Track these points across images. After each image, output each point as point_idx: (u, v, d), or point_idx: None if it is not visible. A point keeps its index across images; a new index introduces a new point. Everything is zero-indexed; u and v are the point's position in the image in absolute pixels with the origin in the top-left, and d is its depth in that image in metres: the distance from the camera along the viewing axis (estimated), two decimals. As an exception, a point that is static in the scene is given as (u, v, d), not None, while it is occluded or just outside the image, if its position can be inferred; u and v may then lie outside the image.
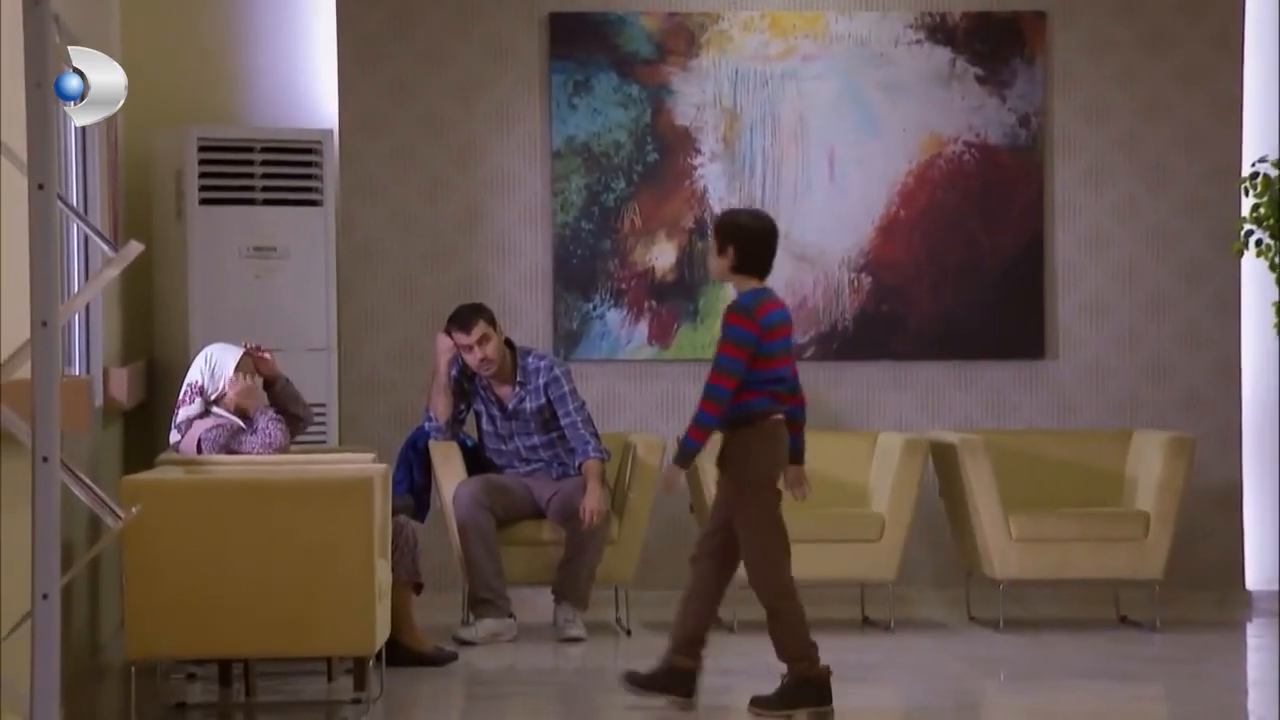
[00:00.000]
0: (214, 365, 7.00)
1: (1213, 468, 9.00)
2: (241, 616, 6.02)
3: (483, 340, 7.94)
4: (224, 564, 6.02)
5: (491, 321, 8.01)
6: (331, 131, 8.43)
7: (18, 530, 4.44)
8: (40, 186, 3.25)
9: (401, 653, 7.04)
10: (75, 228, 7.05)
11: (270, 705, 6.54)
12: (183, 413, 7.00)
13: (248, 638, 6.08)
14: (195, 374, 7.01)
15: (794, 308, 9.03)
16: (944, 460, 8.37)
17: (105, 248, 3.36)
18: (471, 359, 7.97)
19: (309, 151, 8.25)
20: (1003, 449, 8.37)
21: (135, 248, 3.26)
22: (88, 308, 7.19)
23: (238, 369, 7.00)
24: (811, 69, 8.99)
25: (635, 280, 8.95)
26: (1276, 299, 8.46)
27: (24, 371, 3.42)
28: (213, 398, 6.99)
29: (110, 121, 7.66)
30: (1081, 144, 9.11)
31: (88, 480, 3.44)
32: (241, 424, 6.97)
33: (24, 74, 3.36)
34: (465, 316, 7.99)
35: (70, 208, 3.39)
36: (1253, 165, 8.56)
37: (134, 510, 3.45)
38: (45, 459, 3.18)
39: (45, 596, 3.21)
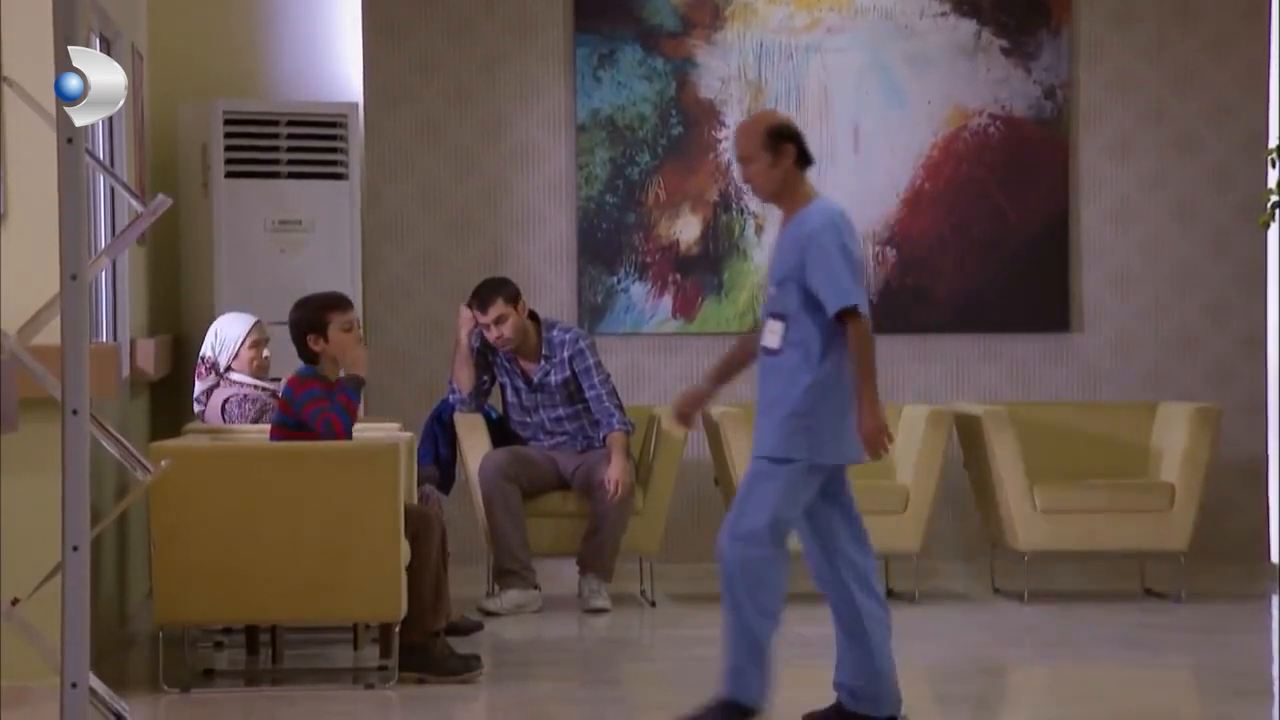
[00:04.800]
0: (222, 337, 7.07)
1: (1239, 440, 8.99)
2: (269, 583, 6.05)
3: (500, 320, 7.93)
4: (251, 530, 6.04)
5: (513, 299, 7.98)
6: (356, 105, 8.45)
7: (48, 494, 4.46)
8: (69, 141, 3.26)
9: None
10: (102, 191, 7.08)
11: (297, 672, 6.57)
12: (199, 386, 7.07)
13: (275, 604, 6.11)
14: (205, 348, 7.09)
15: (819, 281, 9.03)
16: (969, 432, 8.37)
17: (134, 202, 3.37)
18: (490, 335, 7.99)
19: (334, 125, 8.26)
20: (1028, 421, 8.36)
21: (163, 201, 3.28)
22: (115, 278, 7.22)
23: (254, 344, 7.04)
24: (836, 41, 8.98)
25: (659, 254, 8.96)
26: (1303, 271, 8.44)
27: (51, 333, 3.43)
28: (225, 366, 7.05)
29: (136, 94, 7.68)
30: (1107, 116, 9.09)
31: (116, 434, 3.45)
32: (269, 397, 7.01)
33: (52, 32, 3.38)
34: (484, 295, 7.97)
35: (97, 160, 3.40)
36: (1280, 137, 8.54)
37: (163, 464, 3.47)
38: (75, 412, 3.20)
39: (75, 549, 3.23)
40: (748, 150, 5.27)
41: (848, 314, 5.16)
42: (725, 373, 5.53)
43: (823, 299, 5.17)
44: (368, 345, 8.60)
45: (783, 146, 5.27)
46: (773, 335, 5.27)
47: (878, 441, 5.23)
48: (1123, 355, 9.10)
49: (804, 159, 5.32)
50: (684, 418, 5.48)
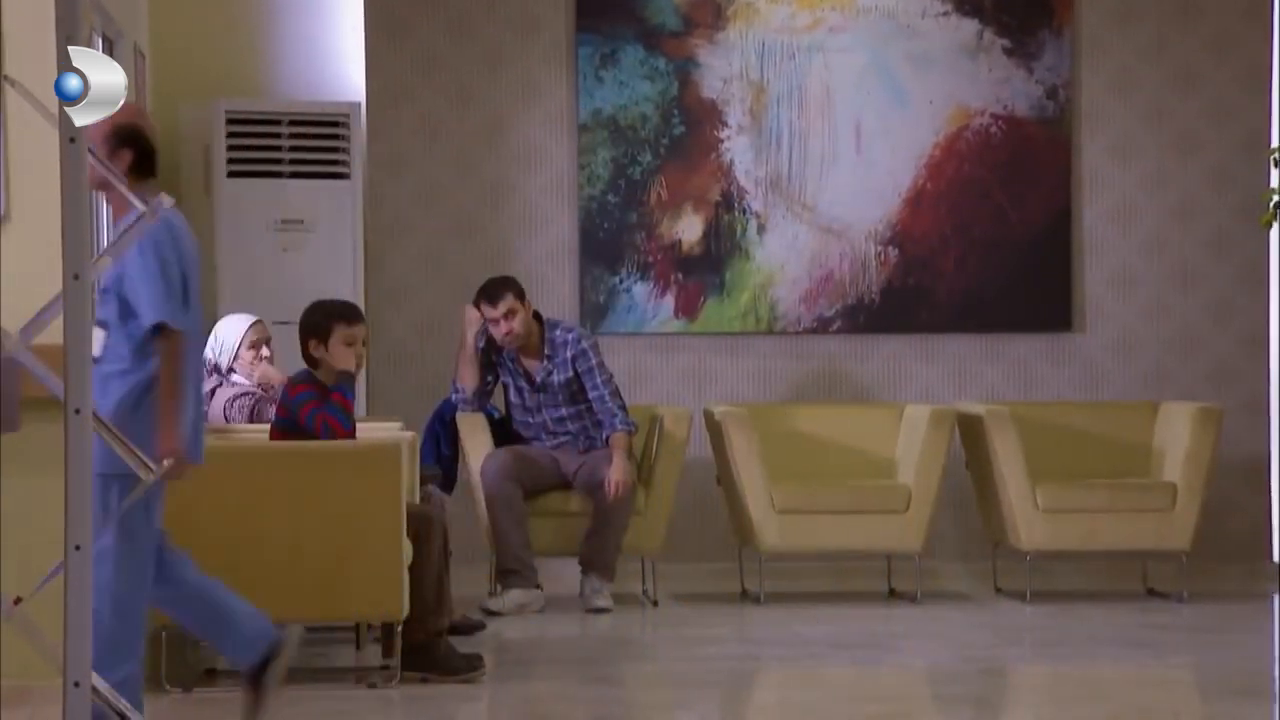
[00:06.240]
0: (221, 339, 7.09)
1: (1240, 440, 8.99)
2: (271, 583, 6.05)
3: (509, 314, 7.96)
4: (253, 530, 6.04)
5: (520, 295, 8.02)
6: (359, 104, 8.45)
7: (50, 494, 4.46)
8: (72, 140, 3.26)
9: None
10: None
11: (299, 672, 6.57)
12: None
13: (277, 604, 6.09)
14: (206, 351, 7.11)
15: (820, 280, 9.04)
16: (971, 432, 8.37)
17: (136, 202, 3.38)
18: (497, 332, 8.00)
19: (336, 125, 8.27)
20: (1030, 421, 8.36)
21: (165, 200, 3.28)
22: (117, 278, 7.22)
23: (252, 345, 7.06)
24: (838, 41, 8.99)
25: (662, 253, 8.96)
26: (1305, 271, 8.44)
27: (53, 333, 3.43)
28: (226, 368, 7.06)
29: (138, 94, 7.69)
30: (1109, 116, 9.09)
31: (118, 433, 3.45)
32: (263, 393, 7.03)
33: (54, 30, 3.38)
34: (493, 290, 8.01)
35: (100, 161, 3.41)
36: (1281, 137, 8.54)
37: (166, 463, 3.47)
38: (78, 411, 3.20)
39: (78, 548, 3.23)
40: (92, 135, 5.18)
41: (162, 329, 5.07)
42: None
43: (139, 311, 5.11)
44: (370, 353, 8.62)
45: (119, 150, 5.14)
46: (96, 343, 5.23)
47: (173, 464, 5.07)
48: (1124, 355, 9.10)
49: (144, 168, 5.18)
50: None
